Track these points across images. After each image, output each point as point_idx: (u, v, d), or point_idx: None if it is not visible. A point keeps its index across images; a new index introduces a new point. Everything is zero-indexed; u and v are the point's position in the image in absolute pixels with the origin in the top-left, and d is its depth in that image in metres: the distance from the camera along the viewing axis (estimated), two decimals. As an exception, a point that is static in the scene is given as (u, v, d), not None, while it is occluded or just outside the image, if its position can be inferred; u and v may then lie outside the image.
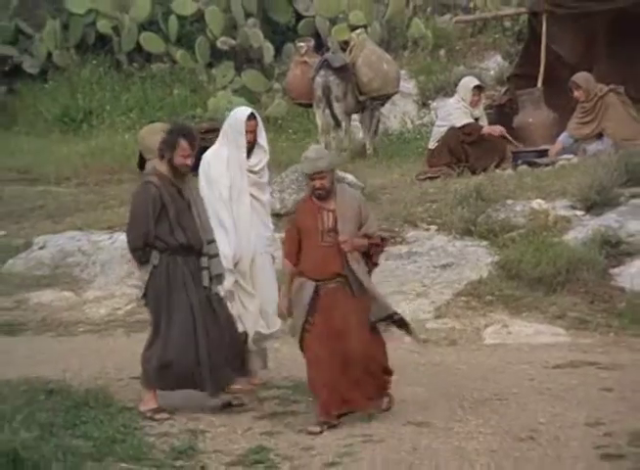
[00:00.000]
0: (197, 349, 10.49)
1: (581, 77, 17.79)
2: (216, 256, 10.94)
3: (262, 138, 11.94)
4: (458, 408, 11.19)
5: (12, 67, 23.71)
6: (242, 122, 11.70)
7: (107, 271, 15.26)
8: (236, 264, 11.43)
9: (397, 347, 12.51)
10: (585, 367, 11.97)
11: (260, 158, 11.86)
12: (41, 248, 15.88)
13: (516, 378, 11.85)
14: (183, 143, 10.55)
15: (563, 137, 17.87)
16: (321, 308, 10.13)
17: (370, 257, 10.25)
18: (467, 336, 13.15)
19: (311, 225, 10.20)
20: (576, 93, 17.81)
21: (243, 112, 11.99)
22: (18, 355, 12.50)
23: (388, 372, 10.64)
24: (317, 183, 10.17)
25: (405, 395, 11.42)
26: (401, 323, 10.59)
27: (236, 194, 11.57)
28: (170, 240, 10.48)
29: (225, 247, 11.42)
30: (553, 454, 10.26)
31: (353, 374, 10.22)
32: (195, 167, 18.62)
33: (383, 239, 10.37)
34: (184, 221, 10.55)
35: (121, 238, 15.71)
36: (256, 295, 11.57)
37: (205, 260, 10.80)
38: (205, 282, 10.78)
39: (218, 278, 10.85)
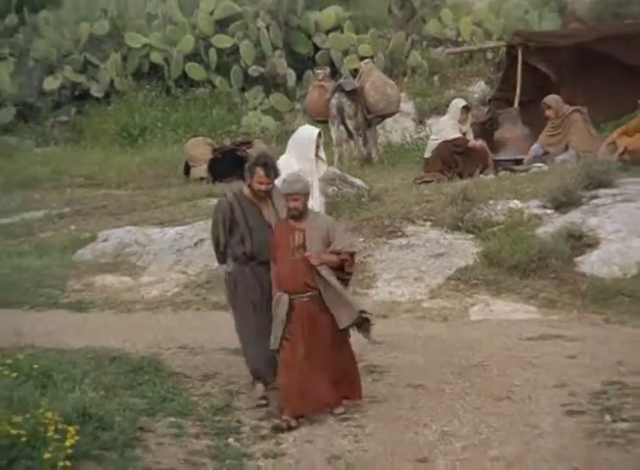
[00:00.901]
0: (263, 346, 10.25)
1: (551, 99, 17.77)
2: None
3: (322, 152, 12.07)
4: (449, 373, 11.19)
5: (81, 91, 23.71)
6: (312, 139, 11.81)
7: (158, 260, 15.24)
8: None
9: (401, 324, 12.55)
10: (553, 339, 11.95)
11: (321, 167, 11.98)
12: (104, 240, 15.88)
13: (496, 348, 11.84)
14: (260, 171, 10.29)
15: (535, 148, 17.86)
16: (295, 319, 9.88)
17: (343, 269, 9.99)
18: (456, 313, 13.12)
19: (284, 242, 9.99)
20: (548, 112, 17.79)
21: (312, 131, 12.16)
22: (86, 329, 12.51)
23: (355, 377, 10.34)
24: (292, 204, 9.92)
25: (405, 362, 11.48)
26: (362, 324, 10.13)
27: (316, 197, 11.59)
28: (238, 250, 10.33)
29: None
30: (526, 411, 10.28)
31: (321, 378, 9.95)
32: (229, 172, 18.88)
33: (351, 254, 10.08)
34: (255, 235, 10.35)
35: (171, 232, 15.75)
36: None
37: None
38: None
39: None
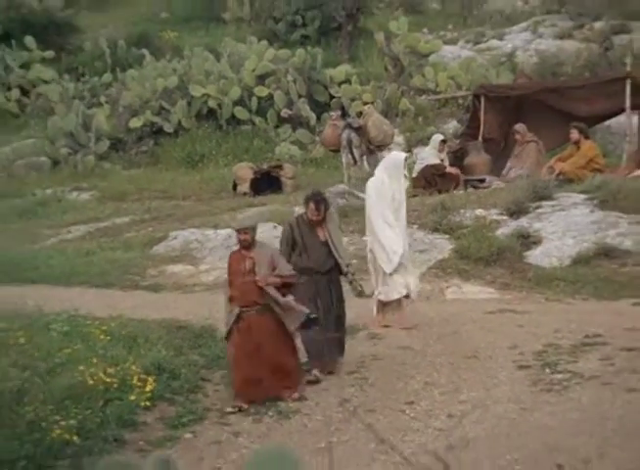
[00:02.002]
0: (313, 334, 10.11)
1: (520, 127, 17.62)
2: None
3: (406, 171, 11.91)
4: (430, 339, 11.21)
5: (157, 129, 23.70)
6: (402, 162, 11.67)
7: (212, 253, 15.23)
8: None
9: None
10: (507, 313, 11.95)
11: (405, 183, 11.83)
12: (174, 239, 15.90)
13: (465, 319, 11.82)
14: (312, 206, 10.24)
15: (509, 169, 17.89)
16: (241, 328, 9.67)
17: (285, 288, 9.73)
18: (435, 294, 13.11)
19: (237, 267, 9.77)
20: (517, 136, 17.66)
21: (401, 156, 12.03)
22: (160, 305, 12.55)
23: (296, 372, 9.91)
24: (242, 236, 9.75)
25: (397, 330, 11.46)
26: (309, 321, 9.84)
27: (397, 205, 11.49)
28: (298, 262, 10.16)
29: (394, 244, 11.36)
30: (487, 366, 10.31)
31: (267, 372, 9.66)
32: (266, 188, 18.95)
33: (292, 276, 9.82)
34: (310, 251, 10.25)
35: (222, 233, 15.75)
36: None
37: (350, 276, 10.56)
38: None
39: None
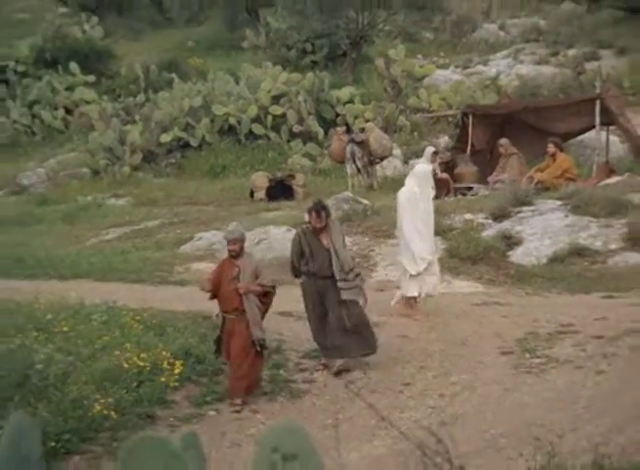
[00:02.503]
0: (325, 331, 9.98)
1: (504, 141, 17.58)
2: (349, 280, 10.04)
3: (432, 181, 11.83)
4: (424, 327, 11.20)
5: (184, 143, 23.73)
6: (429, 171, 11.69)
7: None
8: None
9: (393, 295, 12.45)
10: (492, 305, 11.92)
11: (432, 193, 11.74)
12: (198, 240, 15.89)
13: (455, 310, 11.80)
14: (314, 214, 9.96)
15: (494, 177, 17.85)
16: (226, 331, 9.45)
17: (266, 296, 9.52)
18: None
19: (225, 274, 9.48)
20: (501, 149, 17.64)
21: (428, 167, 11.98)
22: (185, 298, 12.52)
23: (254, 376, 9.52)
24: (231, 246, 9.51)
25: (395, 320, 11.42)
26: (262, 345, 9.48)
27: (426, 214, 11.39)
28: (305, 268, 10.00)
29: (422, 251, 11.24)
30: (475, 352, 10.29)
31: (239, 371, 9.35)
32: (280, 195, 18.97)
33: (273, 286, 9.64)
34: (315, 258, 9.97)
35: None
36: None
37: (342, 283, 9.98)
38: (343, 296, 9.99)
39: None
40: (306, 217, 10.43)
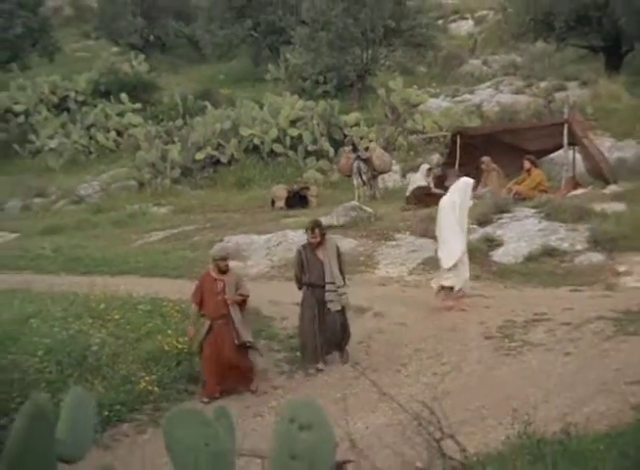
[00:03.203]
0: (314, 334, 9.63)
1: (485, 159, 17.51)
2: (335, 291, 9.70)
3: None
4: (418, 316, 11.16)
5: (215, 160, 23.77)
6: (470, 187, 11.47)
7: (256, 253, 15.13)
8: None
9: (393, 289, 12.44)
10: (477, 297, 11.84)
11: (470, 203, 11.58)
12: (228, 241, 15.90)
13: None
14: (310, 232, 9.76)
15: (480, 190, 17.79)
16: (212, 336, 9.07)
17: (243, 303, 9.29)
18: (423, 283, 13.02)
19: (210, 287, 9.18)
20: (482, 166, 17.55)
21: (470, 181, 11.66)
22: None
23: (251, 371, 9.26)
24: (222, 263, 9.26)
25: (394, 310, 11.41)
26: (251, 345, 9.27)
27: (462, 220, 11.23)
28: (304, 279, 9.68)
29: (456, 249, 11.10)
30: (462, 337, 10.26)
31: (228, 370, 9.06)
32: (297, 204, 18.98)
33: (247, 296, 9.29)
34: (312, 270, 9.63)
35: (263, 237, 15.71)
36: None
37: (329, 294, 9.65)
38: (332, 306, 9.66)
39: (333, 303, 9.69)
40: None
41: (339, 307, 9.65)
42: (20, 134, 28.44)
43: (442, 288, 11.28)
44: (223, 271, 9.28)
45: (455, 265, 11.14)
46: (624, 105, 22.94)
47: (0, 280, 13.45)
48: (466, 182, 11.60)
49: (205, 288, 9.24)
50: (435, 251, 11.71)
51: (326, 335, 9.61)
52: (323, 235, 9.79)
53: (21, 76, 31.79)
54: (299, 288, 9.87)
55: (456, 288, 11.21)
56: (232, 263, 14.43)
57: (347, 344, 9.87)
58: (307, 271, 9.68)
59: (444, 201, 11.45)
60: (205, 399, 8.83)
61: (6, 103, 29.67)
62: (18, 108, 29.69)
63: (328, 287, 9.62)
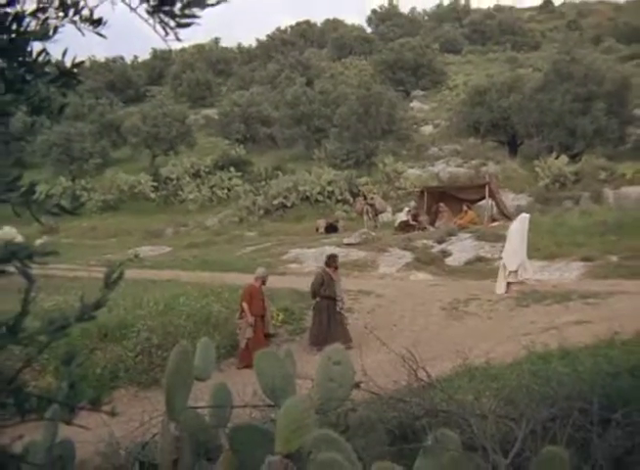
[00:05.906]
0: (327, 332, 8.68)
1: (441, 205, 17.35)
2: (341, 300, 8.79)
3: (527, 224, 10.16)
4: (402, 296, 10.90)
5: (283, 205, 23.63)
6: (527, 219, 10.19)
7: (308, 260, 14.76)
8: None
9: (387, 281, 12.23)
10: (438, 286, 11.57)
11: (526, 227, 10.03)
12: (290, 253, 15.53)
13: (418, 289, 11.53)
14: (328, 259, 9.01)
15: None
16: (256, 326, 8.46)
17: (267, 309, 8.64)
18: (405, 277, 12.92)
19: (256, 294, 8.55)
20: (440, 209, 17.37)
21: (527, 216, 10.30)
22: (285, 282, 11.86)
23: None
24: (264, 280, 8.72)
25: (388, 293, 11.16)
26: (273, 335, 8.45)
27: (522, 239, 9.98)
28: (323, 292, 8.83)
29: (518, 258, 9.92)
30: (427, 308, 9.89)
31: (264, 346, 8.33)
32: (332, 230, 18.77)
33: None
34: (328, 286, 8.79)
35: (312, 250, 15.17)
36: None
37: (339, 303, 8.82)
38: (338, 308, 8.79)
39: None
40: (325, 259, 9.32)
41: (343, 310, 9.07)
42: (173, 191, 28.76)
43: (508, 284, 10.16)
44: (263, 284, 8.75)
45: (518, 267, 10.04)
46: (519, 174, 22.76)
47: (161, 274, 13.57)
48: (525, 217, 10.32)
49: (253, 295, 8.61)
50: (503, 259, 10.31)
51: (331, 329, 8.81)
52: (336, 263, 9.04)
53: (174, 158, 32.29)
54: (314, 298, 8.91)
55: (520, 278, 10.08)
56: (294, 265, 14.20)
57: (348, 336, 8.65)
58: (326, 287, 8.83)
59: (513, 226, 10.30)
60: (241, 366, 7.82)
61: (166, 173, 30.09)
62: (172, 176, 29.93)
63: (338, 298, 8.90)
